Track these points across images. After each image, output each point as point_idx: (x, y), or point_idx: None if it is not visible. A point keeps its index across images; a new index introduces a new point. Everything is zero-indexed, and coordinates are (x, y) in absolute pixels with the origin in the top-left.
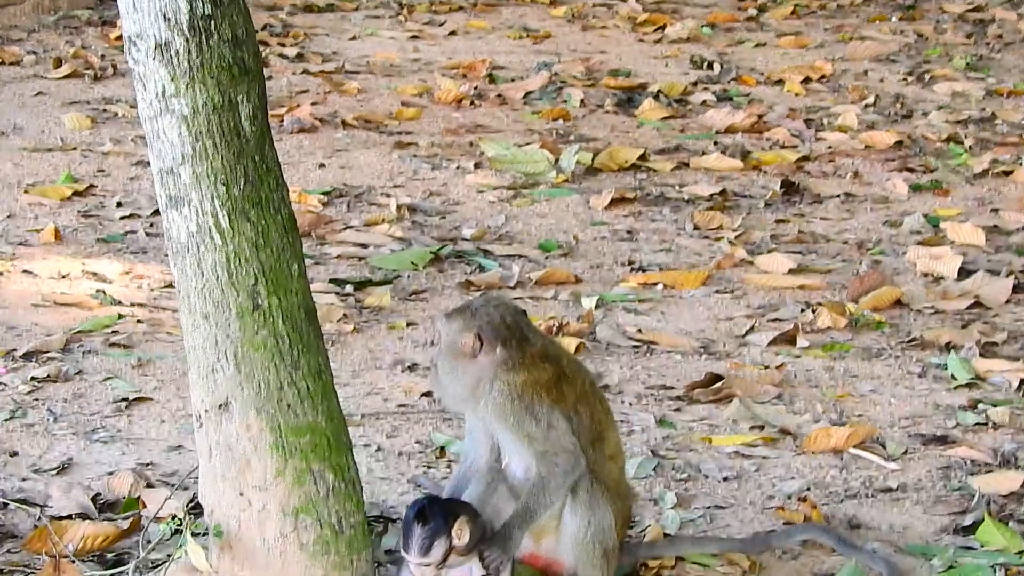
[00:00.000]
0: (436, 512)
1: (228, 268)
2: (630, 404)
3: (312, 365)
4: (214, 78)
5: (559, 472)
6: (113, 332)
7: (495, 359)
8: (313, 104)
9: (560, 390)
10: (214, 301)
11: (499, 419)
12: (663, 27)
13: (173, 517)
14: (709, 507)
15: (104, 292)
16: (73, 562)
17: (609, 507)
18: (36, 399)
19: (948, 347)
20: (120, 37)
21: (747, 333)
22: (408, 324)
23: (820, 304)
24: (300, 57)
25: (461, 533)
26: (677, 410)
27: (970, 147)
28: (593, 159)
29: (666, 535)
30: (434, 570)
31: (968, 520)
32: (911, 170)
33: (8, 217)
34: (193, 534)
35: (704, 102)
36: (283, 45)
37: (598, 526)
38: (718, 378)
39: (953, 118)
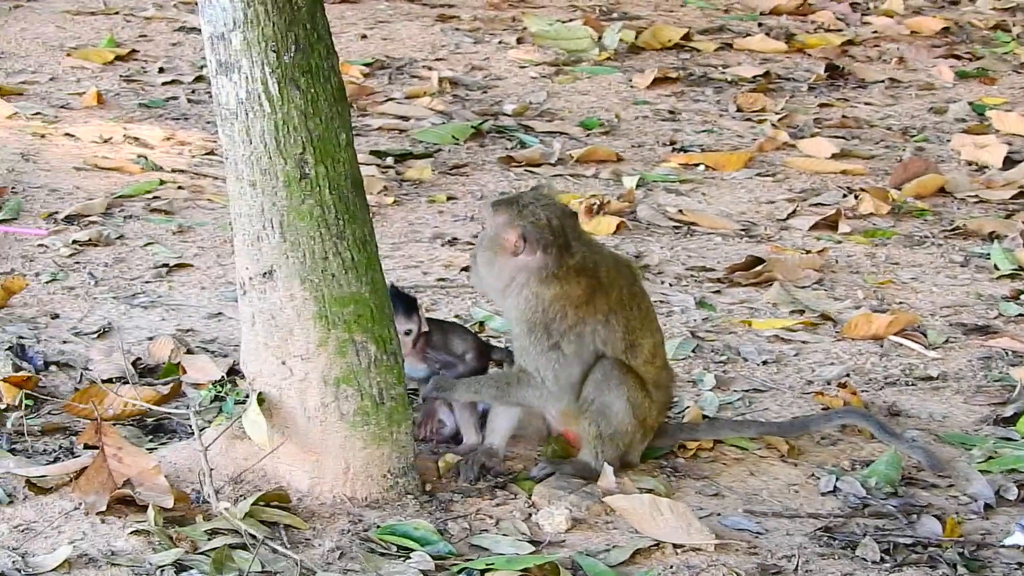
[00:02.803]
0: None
1: (276, 136)
2: (670, 285)
3: (357, 235)
4: None
5: (522, 387)
6: (154, 198)
7: (532, 264)
8: None
9: (592, 304)
10: (261, 169)
11: (516, 322)
12: None
13: (214, 384)
14: (748, 390)
15: (145, 157)
16: (113, 425)
17: (624, 401)
18: (77, 262)
19: (991, 237)
20: None
21: (788, 217)
22: (448, 198)
23: (863, 190)
24: None
25: (422, 316)
26: (717, 292)
27: (1018, 35)
28: (636, 37)
29: (705, 417)
30: (410, 344)
31: (1008, 411)
32: (957, 57)
33: (50, 80)
34: (234, 401)
35: None
36: None
37: (606, 423)
38: (759, 261)
39: (1001, 5)
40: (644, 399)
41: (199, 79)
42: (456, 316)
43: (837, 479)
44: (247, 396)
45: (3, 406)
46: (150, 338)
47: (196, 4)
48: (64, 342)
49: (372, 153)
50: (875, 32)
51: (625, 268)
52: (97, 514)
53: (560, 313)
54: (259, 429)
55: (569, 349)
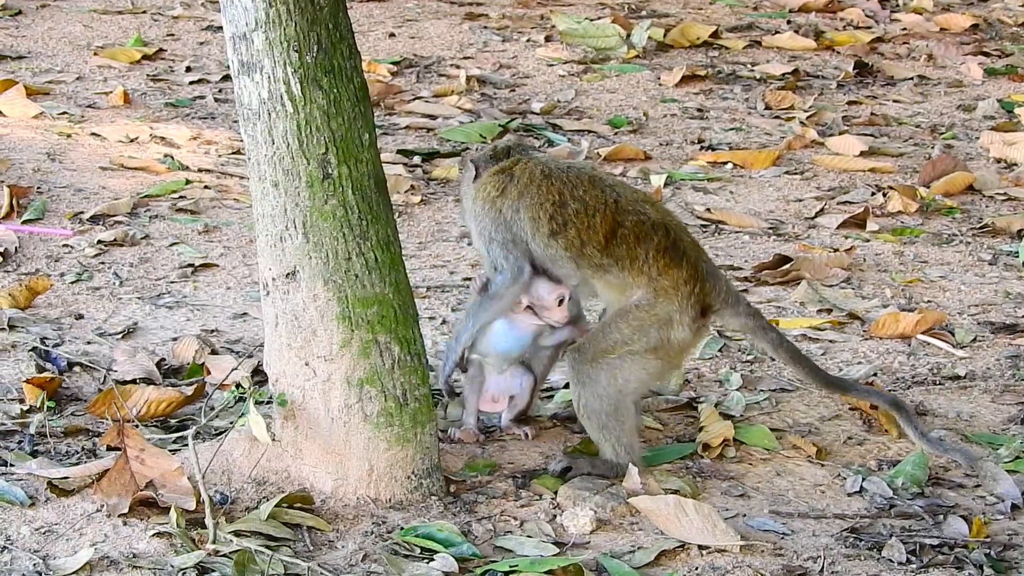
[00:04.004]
0: None
1: (299, 136)
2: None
3: (381, 236)
4: None
5: (493, 286)
6: (180, 197)
7: (481, 180)
8: None
9: (504, 196)
10: (284, 169)
11: (473, 235)
12: None
13: (237, 386)
14: (774, 390)
15: (172, 157)
16: (136, 427)
17: (599, 381)
18: (102, 262)
19: (1020, 234)
20: None
21: (816, 215)
22: None
23: (891, 188)
24: None
25: None
26: (744, 291)
27: None
28: (665, 35)
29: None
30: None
31: None
32: (986, 54)
33: (77, 79)
34: (256, 403)
35: None
36: None
37: (597, 409)
38: (786, 260)
39: None
40: (622, 347)
41: (226, 78)
42: (453, 310)
43: (864, 479)
44: (270, 398)
45: (26, 407)
46: (175, 339)
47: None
48: (88, 343)
49: (400, 152)
50: (904, 29)
51: (580, 171)
52: (119, 516)
53: (484, 209)
54: (260, 427)
55: (500, 237)
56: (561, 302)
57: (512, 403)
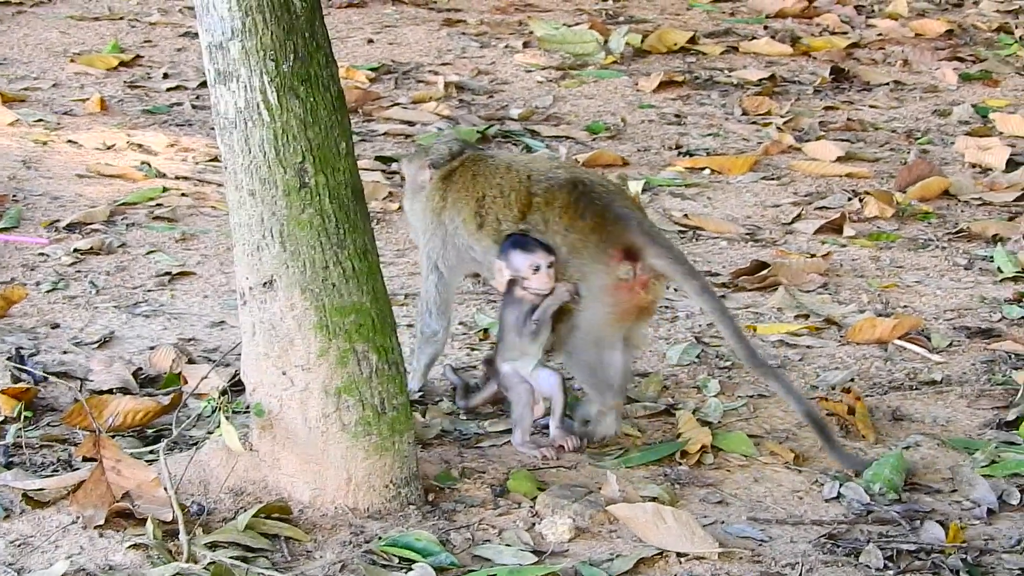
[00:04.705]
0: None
1: (276, 145)
2: (674, 290)
3: (358, 244)
4: None
5: (429, 326)
6: (157, 205)
7: (429, 189)
8: None
9: (443, 193)
10: (261, 178)
11: (418, 243)
12: None
13: (222, 393)
14: (752, 396)
15: (149, 164)
16: (112, 437)
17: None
18: (79, 271)
19: (995, 239)
20: None
21: (794, 220)
22: None
23: (867, 193)
24: None
25: None
26: (722, 297)
27: (1021, 37)
28: (642, 41)
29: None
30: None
31: (1012, 415)
32: (961, 59)
33: (53, 86)
34: (234, 412)
35: None
36: None
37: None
38: (764, 265)
39: (1004, 7)
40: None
41: (203, 85)
42: (460, 323)
43: (841, 485)
44: (247, 407)
45: (1, 418)
46: (151, 348)
47: None
48: (64, 352)
49: (377, 158)
50: (879, 35)
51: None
52: (95, 528)
53: (432, 225)
54: (233, 437)
55: (441, 231)
56: (537, 269)
57: (551, 406)
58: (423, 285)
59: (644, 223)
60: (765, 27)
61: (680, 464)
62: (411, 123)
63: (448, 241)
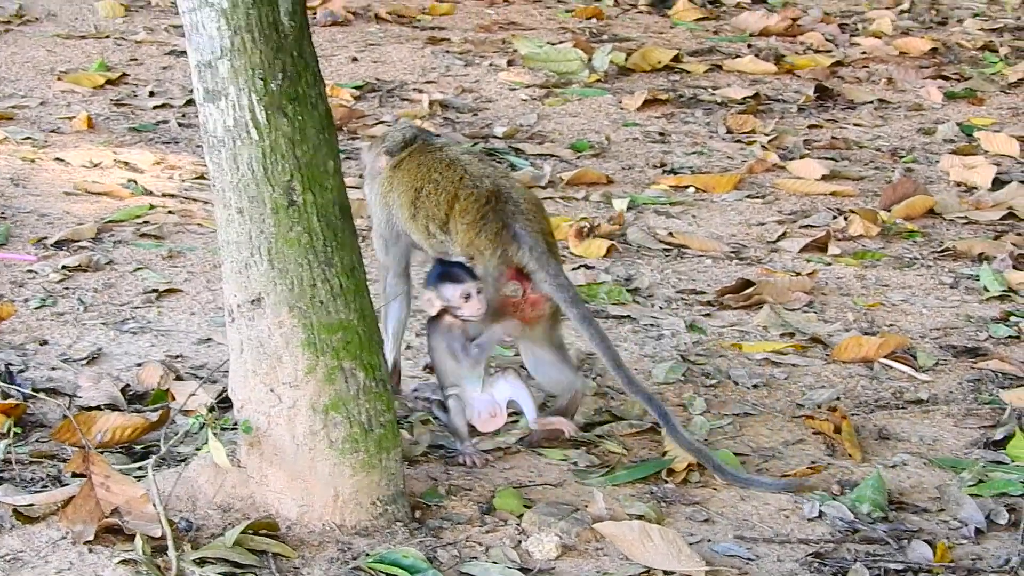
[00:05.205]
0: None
1: (264, 163)
2: (660, 308)
3: (346, 262)
4: None
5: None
6: (144, 222)
7: (382, 176)
8: None
9: (389, 183)
10: (249, 196)
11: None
12: None
13: (210, 410)
14: (738, 414)
15: (135, 182)
16: (101, 453)
17: None
18: (67, 288)
19: (981, 258)
20: None
21: (778, 239)
22: None
23: (852, 211)
24: None
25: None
26: (707, 315)
27: (1005, 56)
28: (626, 59)
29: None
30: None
31: (999, 434)
32: (945, 78)
33: (40, 104)
34: (222, 428)
35: (738, 4)
36: None
37: None
38: (749, 284)
39: (988, 26)
40: None
41: (189, 103)
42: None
43: (821, 504)
44: (235, 424)
45: None
46: (139, 364)
47: None
48: (53, 368)
49: (362, 176)
50: (864, 53)
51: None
52: (85, 543)
53: (380, 205)
54: (221, 454)
55: (387, 234)
56: (468, 297)
57: (520, 405)
58: (380, 257)
59: (536, 248)
60: (749, 45)
61: (666, 482)
62: None
63: (391, 221)
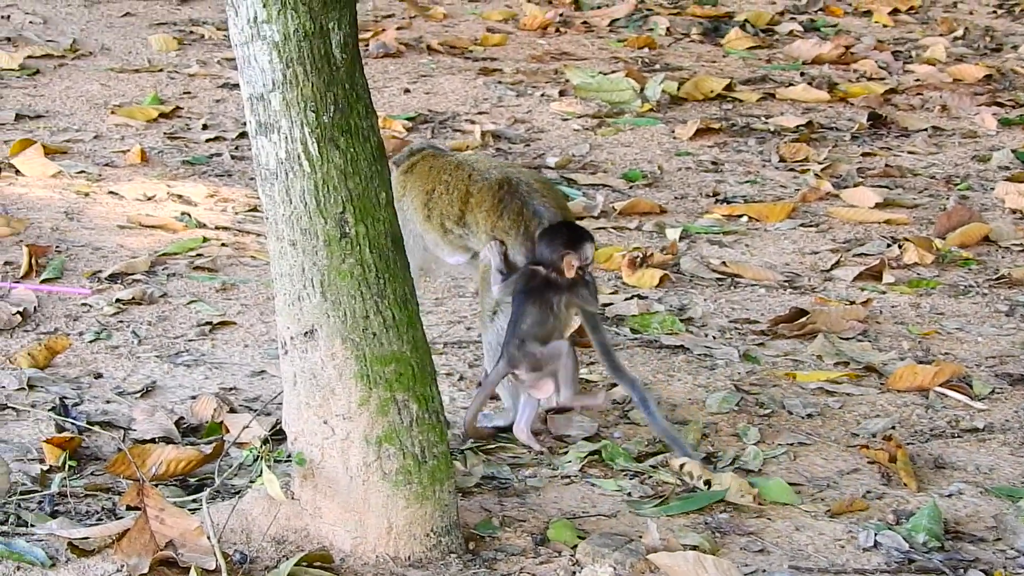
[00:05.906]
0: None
1: (316, 195)
2: (713, 338)
3: (398, 294)
4: (305, 4)
5: None
6: (197, 255)
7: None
8: (398, 29)
9: (402, 189)
10: (302, 228)
11: None
12: None
13: (263, 442)
14: (792, 444)
15: (189, 215)
16: (156, 486)
17: None
18: (121, 321)
19: None
20: None
21: (832, 268)
22: None
23: (906, 239)
24: None
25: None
26: (761, 344)
27: None
28: (678, 88)
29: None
30: None
31: None
32: (1000, 104)
33: (95, 138)
34: (276, 461)
35: (791, 32)
36: None
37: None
38: (803, 313)
39: None
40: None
41: (242, 135)
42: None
43: (876, 533)
44: (289, 456)
45: (46, 467)
46: (193, 397)
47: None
48: (107, 402)
49: None
50: (917, 80)
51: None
52: None
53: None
54: (275, 486)
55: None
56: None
57: (560, 377)
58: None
59: (557, 219)
60: (802, 73)
61: (721, 512)
62: None
63: (406, 227)
